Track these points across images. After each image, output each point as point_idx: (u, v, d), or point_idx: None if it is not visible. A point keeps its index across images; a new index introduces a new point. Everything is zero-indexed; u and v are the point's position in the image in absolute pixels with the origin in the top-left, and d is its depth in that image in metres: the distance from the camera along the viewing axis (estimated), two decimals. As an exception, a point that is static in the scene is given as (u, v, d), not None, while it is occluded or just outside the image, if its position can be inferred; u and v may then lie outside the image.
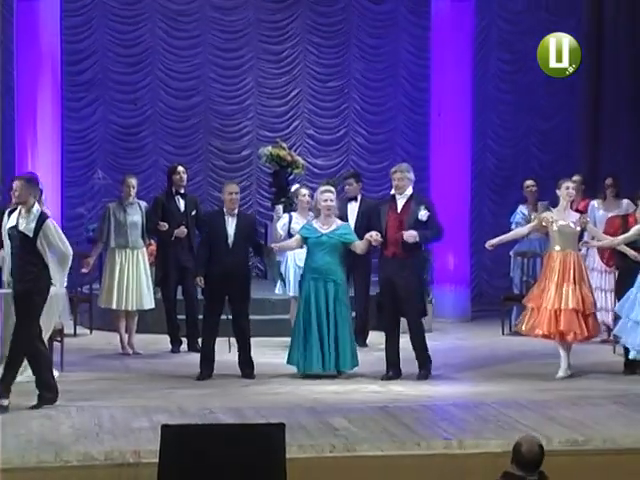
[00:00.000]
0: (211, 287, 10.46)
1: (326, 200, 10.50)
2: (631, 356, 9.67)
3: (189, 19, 15.30)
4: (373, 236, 10.22)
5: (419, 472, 6.91)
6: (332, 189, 10.83)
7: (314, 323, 10.32)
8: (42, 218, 8.78)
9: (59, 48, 13.64)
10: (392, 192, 10.63)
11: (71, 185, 14.36)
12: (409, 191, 10.48)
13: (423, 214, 10.28)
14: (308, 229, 10.55)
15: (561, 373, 10.25)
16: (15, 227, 8.76)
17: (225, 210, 10.56)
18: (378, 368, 10.62)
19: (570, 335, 10.18)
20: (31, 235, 8.76)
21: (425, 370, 10.38)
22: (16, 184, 8.89)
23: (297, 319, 10.51)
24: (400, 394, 9.66)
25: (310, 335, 10.30)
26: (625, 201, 11.84)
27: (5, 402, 8.65)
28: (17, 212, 8.83)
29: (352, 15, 15.55)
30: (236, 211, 10.62)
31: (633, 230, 9.75)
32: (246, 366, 10.44)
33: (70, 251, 8.97)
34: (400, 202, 10.49)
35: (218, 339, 10.94)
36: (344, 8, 15.52)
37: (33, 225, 8.76)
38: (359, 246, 10.55)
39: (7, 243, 8.96)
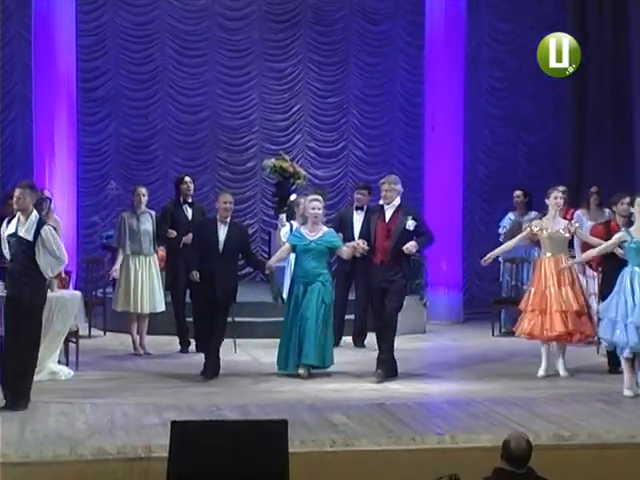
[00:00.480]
0: (199, 288, 10.51)
1: (314, 208, 10.50)
2: (625, 354, 9.64)
3: (197, 39, 15.32)
4: (360, 244, 10.28)
5: (414, 466, 6.93)
6: (320, 198, 10.83)
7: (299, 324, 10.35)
8: (40, 223, 8.76)
9: (75, 66, 13.67)
10: (380, 202, 10.58)
11: (86, 195, 14.39)
12: (397, 201, 10.41)
13: (410, 224, 10.25)
14: (296, 236, 10.58)
15: (541, 372, 10.27)
16: (14, 234, 8.63)
17: (218, 218, 10.59)
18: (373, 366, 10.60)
19: (577, 335, 10.22)
20: (31, 239, 8.72)
21: (382, 370, 10.26)
22: (19, 191, 8.72)
23: (285, 321, 10.48)
24: (396, 392, 9.65)
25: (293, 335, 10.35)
26: (607, 210, 11.87)
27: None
28: (15, 219, 8.69)
29: (351, 35, 15.57)
30: (228, 219, 10.61)
31: (613, 239, 9.74)
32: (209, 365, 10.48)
33: (65, 259, 8.86)
34: (388, 212, 10.42)
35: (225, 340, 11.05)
36: (343, 28, 15.55)
37: (33, 230, 8.75)
38: (345, 252, 10.62)
39: (6, 251, 8.77)
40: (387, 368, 10.23)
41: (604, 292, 10.09)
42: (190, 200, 11.87)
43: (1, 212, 10.76)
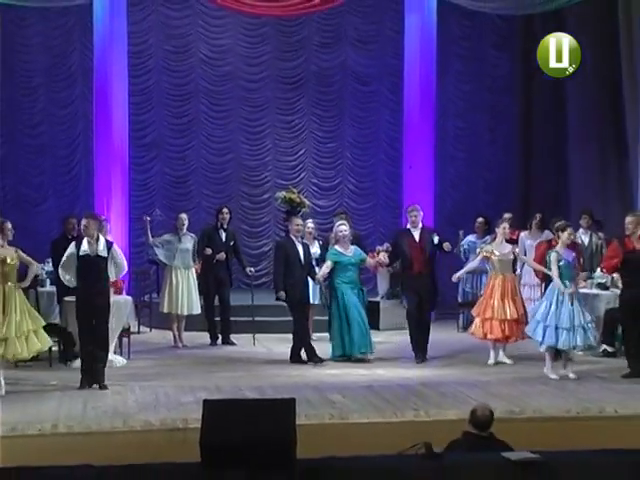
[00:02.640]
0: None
1: (342, 231, 10.56)
2: (542, 349, 9.63)
3: (224, 97, 15.31)
4: (382, 258, 10.70)
5: (395, 435, 6.90)
6: (346, 222, 10.98)
7: (353, 315, 10.29)
8: (109, 244, 8.84)
9: (127, 119, 13.72)
10: (408, 226, 10.71)
11: (136, 220, 14.37)
12: (420, 225, 10.59)
13: (436, 239, 10.49)
14: (336, 254, 10.48)
15: (491, 360, 10.29)
16: (89, 254, 8.70)
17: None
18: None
19: (513, 338, 10.25)
20: (106, 255, 8.77)
21: (424, 353, 10.48)
22: (85, 221, 8.80)
23: (336, 316, 10.34)
24: (381, 376, 9.67)
25: (353, 322, 10.28)
26: (546, 231, 11.86)
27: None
28: (86, 242, 8.73)
29: (345, 94, 15.56)
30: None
31: (553, 260, 9.66)
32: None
33: (126, 266, 9.24)
34: (416, 233, 10.55)
35: (244, 335, 11.36)
36: (339, 88, 15.54)
37: (105, 249, 8.78)
38: (369, 263, 10.81)
39: (74, 266, 8.81)
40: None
41: None
42: (225, 226, 11.88)
43: (63, 230, 10.86)
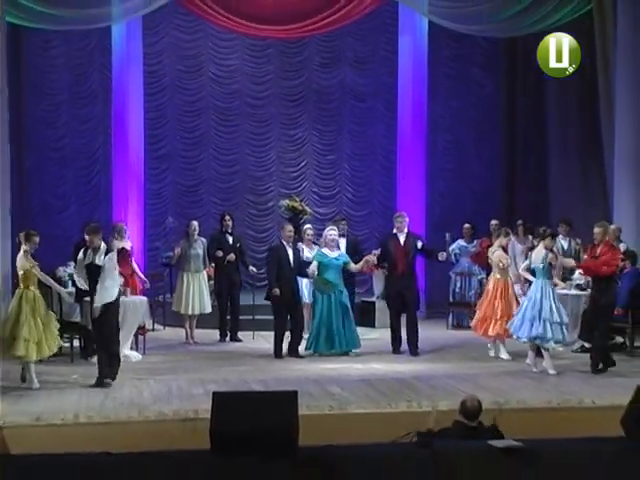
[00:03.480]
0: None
1: (331, 235, 10.66)
2: (522, 340, 9.65)
3: (231, 113, 15.29)
4: (370, 259, 10.66)
5: (390, 424, 6.89)
6: (335, 228, 11.08)
7: (328, 316, 10.41)
8: (107, 252, 8.81)
9: (143, 134, 13.77)
10: (394, 231, 10.85)
11: (151, 227, 14.44)
12: (406, 230, 10.73)
13: (419, 244, 10.67)
14: (321, 255, 10.63)
15: (491, 354, 10.35)
16: (89, 262, 8.72)
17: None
18: (363, 351, 10.65)
19: (507, 335, 10.22)
20: (102, 264, 8.73)
21: (415, 347, 10.56)
22: (89, 237, 8.80)
23: (315, 315, 10.52)
24: (377, 370, 9.67)
25: (327, 325, 10.41)
26: (530, 237, 11.88)
27: (109, 381, 8.64)
28: (90, 251, 8.76)
29: (343, 109, 15.56)
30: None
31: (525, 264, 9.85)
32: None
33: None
34: (401, 238, 10.71)
35: (248, 332, 11.38)
36: (338, 105, 15.54)
37: (101, 259, 8.74)
38: (353, 267, 10.75)
39: (84, 271, 8.84)
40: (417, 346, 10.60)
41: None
42: (230, 230, 11.88)
43: (84, 235, 10.85)
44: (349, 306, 10.63)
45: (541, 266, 9.42)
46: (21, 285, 8.68)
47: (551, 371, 9.38)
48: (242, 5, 12.80)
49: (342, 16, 13.05)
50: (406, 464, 5.04)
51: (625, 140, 12.70)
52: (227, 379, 8.97)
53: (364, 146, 15.62)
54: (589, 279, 10.33)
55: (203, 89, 15.19)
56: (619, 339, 10.58)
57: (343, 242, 11.71)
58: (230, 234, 11.86)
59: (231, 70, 15.24)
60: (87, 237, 8.89)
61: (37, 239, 8.77)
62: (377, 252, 10.82)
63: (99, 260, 8.68)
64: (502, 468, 4.99)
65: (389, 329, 10.90)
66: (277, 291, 10.43)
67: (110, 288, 8.66)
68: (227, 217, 11.92)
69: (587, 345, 10.44)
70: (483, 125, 15.61)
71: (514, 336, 9.67)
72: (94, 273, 8.71)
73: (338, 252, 10.76)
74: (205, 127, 15.21)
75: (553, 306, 9.35)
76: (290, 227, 11.08)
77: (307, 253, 11.09)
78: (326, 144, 15.61)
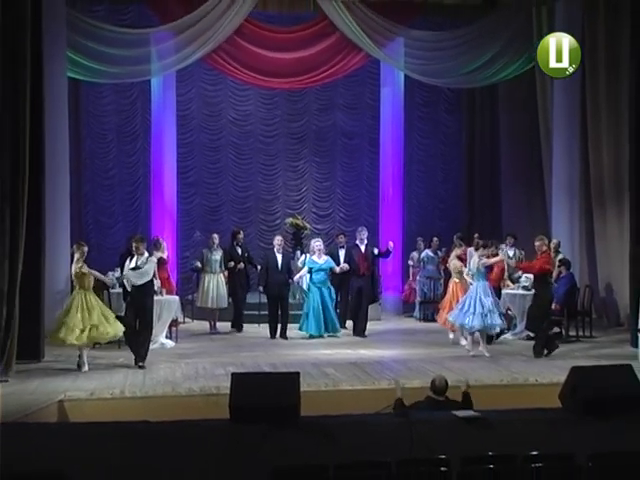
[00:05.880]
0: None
1: (317, 246, 10.97)
2: (466, 328, 9.63)
3: (247, 148, 15.24)
4: (344, 266, 10.94)
5: (374, 399, 6.89)
6: (320, 240, 11.36)
7: (318, 306, 10.70)
8: (147, 258, 8.79)
9: (175, 165, 13.72)
10: (357, 242, 11.23)
11: (182, 239, 14.41)
12: (365, 241, 11.17)
13: (375, 251, 11.17)
14: (310, 261, 10.86)
15: (462, 342, 10.22)
16: (134, 266, 8.71)
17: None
18: (350, 339, 10.67)
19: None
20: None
21: (363, 331, 10.97)
22: (135, 245, 8.81)
23: (308, 307, 10.81)
24: (364, 355, 9.65)
25: (315, 314, 10.68)
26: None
27: (143, 364, 8.63)
28: (135, 257, 8.73)
29: (336, 146, 15.53)
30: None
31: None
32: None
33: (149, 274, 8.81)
34: (362, 247, 11.15)
35: (255, 325, 11.41)
36: (332, 142, 15.48)
37: (142, 263, 8.71)
38: (336, 270, 11.00)
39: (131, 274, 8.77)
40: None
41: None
42: (240, 243, 11.86)
43: (128, 246, 10.82)
44: (333, 299, 10.96)
45: (476, 270, 9.51)
46: (77, 286, 8.66)
47: (487, 354, 9.38)
48: (255, 62, 12.90)
49: (335, 71, 13.20)
50: (387, 430, 5.06)
51: (561, 166, 12.73)
52: (243, 362, 8.95)
53: (353, 175, 15.60)
54: (531, 276, 10.32)
55: (223, 129, 15.18)
56: (556, 329, 10.57)
57: (342, 252, 11.60)
58: (239, 246, 11.82)
59: (246, 114, 15.22)
60: (134, 244, 8.84)
61: (85, 249, 8.71)
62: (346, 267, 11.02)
63: (142, 264, 8.67)
64: (464, 433, 5.01)
65: (374, 323, 11.10)
66: (261, 288, 11.03)
67: (144, 276, 8.62)
68: (240, 236, 11.80)
69: (531, 334, 10.45)
70: (448, 157, 15.65)
71: (466, 326, 9.59)
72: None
73: (325, 258, 10.93)
74: (225, 160, 15.18)
75: (490, 300, 9.42)
76: (280, 237, 11.43)
77: (318, 260, 11.03)
78: (323, 173, 15.58)
